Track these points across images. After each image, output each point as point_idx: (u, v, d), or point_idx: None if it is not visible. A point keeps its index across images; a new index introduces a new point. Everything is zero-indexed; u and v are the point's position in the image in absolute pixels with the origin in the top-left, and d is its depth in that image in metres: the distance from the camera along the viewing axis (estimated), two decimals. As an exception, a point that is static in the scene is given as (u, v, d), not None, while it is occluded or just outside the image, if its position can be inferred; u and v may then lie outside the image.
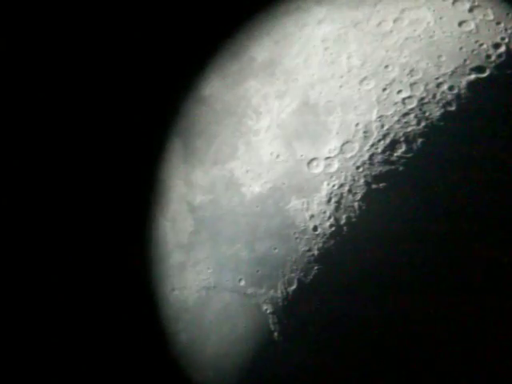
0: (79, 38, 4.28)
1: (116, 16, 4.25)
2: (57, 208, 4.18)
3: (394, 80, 3.25)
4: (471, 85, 3.20)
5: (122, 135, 4.15)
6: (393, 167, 3.11)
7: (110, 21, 4.26)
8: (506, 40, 3.32)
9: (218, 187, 3.49)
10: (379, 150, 3.14)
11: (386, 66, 3.29)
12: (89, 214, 4.13)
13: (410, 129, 3.15)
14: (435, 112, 3.16)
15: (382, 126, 3.17)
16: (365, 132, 3.18)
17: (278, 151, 3.36)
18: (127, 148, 4.09)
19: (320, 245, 3.13)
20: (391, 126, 3.17)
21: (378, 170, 3.12)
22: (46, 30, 4.26)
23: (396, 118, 3.17)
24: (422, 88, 3.21)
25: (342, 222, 3.11)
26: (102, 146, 4.19)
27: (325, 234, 3.13)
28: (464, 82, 3.20)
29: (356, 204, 3.11)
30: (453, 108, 3.16)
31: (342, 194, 3.14)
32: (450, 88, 3.19)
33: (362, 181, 3.13)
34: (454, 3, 3.45)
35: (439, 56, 3.27)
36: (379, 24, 3.46)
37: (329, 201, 3.15)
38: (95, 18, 4.26)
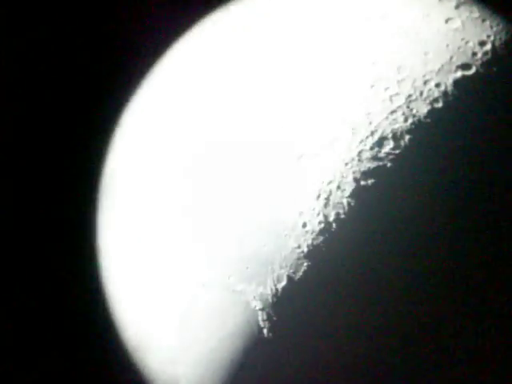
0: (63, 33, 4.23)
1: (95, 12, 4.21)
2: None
3: (381, 77, 3.26)
4: (457, 82, 3.22)
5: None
6: (381, 163, 3.13)
7: (89, 19, 4.21)
8: (492, 38, 3.35)
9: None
10: (367, 147, 3.16)
11: (374, 63, 3.30)
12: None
13: (397, 126, 3.17)
14: (422, 109, 3.18)
15: (370, 123, 3.18)
16: (353, 129, 3.19)
17: (266, 148, 3.36)
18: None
19: (309, 241, 3.14)
20: (379, 123, 3.18)
21: (366, 166, 3.14)
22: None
23: (383, 115, 3.19)
24: (409, 85, 3.22)
25: (331, 218, 3.13)
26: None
27: (314, 231, 3.14)
28: (450, 79, 3.23)
29: (345, 200, 3.13)
30: (439, 105, 3.18)
31: (330, 190, 3.15)
32: (437, 85, 3.21)
33: (350, 177, 3.14)
34: (440, 0, 3.47)
35: (426, 53, 3.28)
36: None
37: (318, 197, 3.16)
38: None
